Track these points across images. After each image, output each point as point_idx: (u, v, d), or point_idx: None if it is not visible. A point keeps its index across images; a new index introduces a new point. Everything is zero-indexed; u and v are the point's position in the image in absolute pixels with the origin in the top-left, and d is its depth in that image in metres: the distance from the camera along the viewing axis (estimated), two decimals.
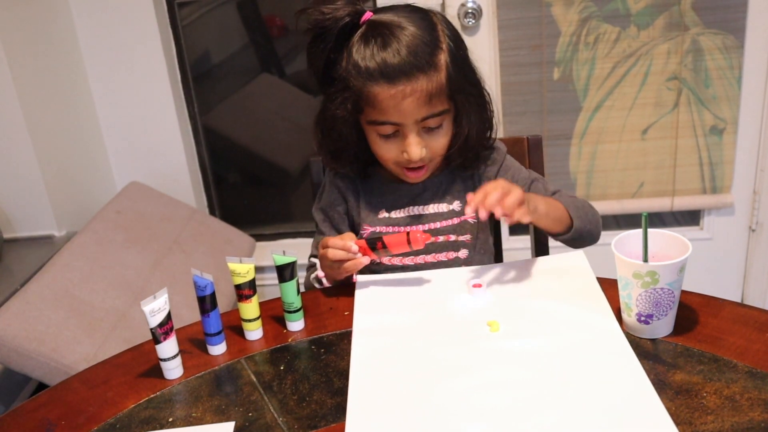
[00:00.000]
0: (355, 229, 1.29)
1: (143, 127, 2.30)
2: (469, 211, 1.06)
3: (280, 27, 2.41)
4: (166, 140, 2.31)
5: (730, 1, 2.03)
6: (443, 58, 1.13)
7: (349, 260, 1.13)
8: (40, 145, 2.00)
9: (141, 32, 2.17)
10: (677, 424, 0.82)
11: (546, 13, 2.09)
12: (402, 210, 1.26)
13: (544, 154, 1.43)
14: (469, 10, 2.08)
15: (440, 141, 1.19)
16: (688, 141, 2.20)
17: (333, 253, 1.13)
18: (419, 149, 1.15)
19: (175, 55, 2.29)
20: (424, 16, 1.15)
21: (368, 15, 1.14)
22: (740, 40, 2.07)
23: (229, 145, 2.50)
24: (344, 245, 1.13)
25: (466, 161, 1.25)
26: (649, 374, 0.90)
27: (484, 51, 2.12)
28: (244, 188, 2.61)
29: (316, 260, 1.26)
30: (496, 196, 1.04)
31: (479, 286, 1.11)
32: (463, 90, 1.17)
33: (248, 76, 2.43)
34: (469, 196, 1.07)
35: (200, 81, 2.38)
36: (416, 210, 1.26)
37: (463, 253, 1.25)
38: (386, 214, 1.27)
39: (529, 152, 1.41)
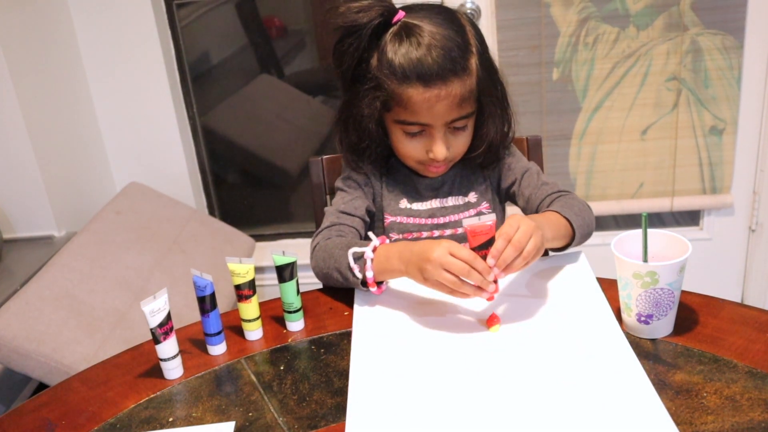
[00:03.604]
0: (375, 215, 1.30)
1: (143, 128, 2.30)
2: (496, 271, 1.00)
3: (279, 27, 2.41)
4: (165, 141, 2.31)
5: (729, 1, 2.03)
6: (474, 61, 1.15)
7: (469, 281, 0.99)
8: (39, 146, 1.99)
9: (140, 33, 2.17)
10: (677, 424, 0.82)
11: (545, 14, 2.09)
12: (423, 203, 1.28)
13: (543, 155, 1.44)
14: (468, 11, 2.08)
15: (463, 140, 1.21)
16: (688, 141, 2.20)
17: (459, 268, 0.98)
18: (445, 149, 1.18)
19: (174, 55, 2.29)
20: (452, 17, 1.16)
21: (401, 15, 1.15)
22: (740, 41, 2.07)
23: (229, 146, 2.50)
24: (484, 268, 0.98)
25: (486, 160, 1.27)
26: (649, 374, 0.91)
27: None
28: (244, 189, 2.60)
29: (333, 233, 1.21)
30: (513, 255, 0.99)
31: None
32: (490, 92, 1.18)
33: (247, 77, 2.43)
34: (492, 256, 1.00)
35: (199, 82, 2.37)
36: (437, 203, 1.28)
37: None
38: (407, 205, 1.28)
39: (529, 152, 1.42)
